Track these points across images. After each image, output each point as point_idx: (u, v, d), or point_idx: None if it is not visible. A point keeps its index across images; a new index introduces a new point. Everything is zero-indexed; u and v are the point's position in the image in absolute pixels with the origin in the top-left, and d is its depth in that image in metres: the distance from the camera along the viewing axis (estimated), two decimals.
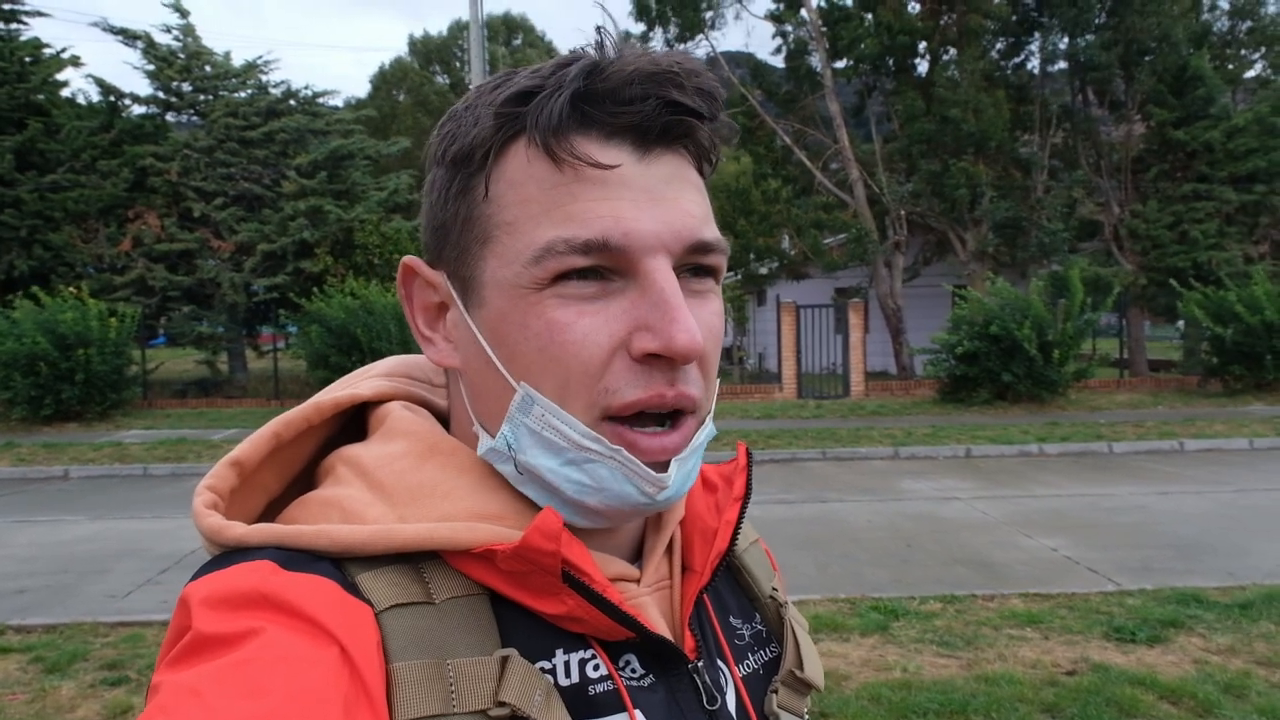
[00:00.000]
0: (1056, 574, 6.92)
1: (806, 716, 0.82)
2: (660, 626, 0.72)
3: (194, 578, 0.62)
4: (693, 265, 0.68)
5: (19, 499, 11.05)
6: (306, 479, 0.77)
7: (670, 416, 0.66)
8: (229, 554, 0.64)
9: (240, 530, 0.65)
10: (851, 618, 5.87)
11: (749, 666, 0.80)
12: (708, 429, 0.71)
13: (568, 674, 0.66)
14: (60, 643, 5.66)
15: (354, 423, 0.80)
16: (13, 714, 4.66)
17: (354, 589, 0.62)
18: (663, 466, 0.66)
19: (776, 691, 0.79)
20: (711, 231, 0.68)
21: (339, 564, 0.63)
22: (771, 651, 0.83)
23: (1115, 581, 6.66)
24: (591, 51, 0.66)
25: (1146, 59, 20.75)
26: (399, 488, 0.68)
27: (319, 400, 0.76)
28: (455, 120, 0.69)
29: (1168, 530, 8.20)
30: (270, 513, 0.74)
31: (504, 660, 0.61)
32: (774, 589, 0.87)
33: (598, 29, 0.67)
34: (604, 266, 0.64)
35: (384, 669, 0.58)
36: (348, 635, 0.57)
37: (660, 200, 0.65)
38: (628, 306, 0.64)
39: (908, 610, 6.00)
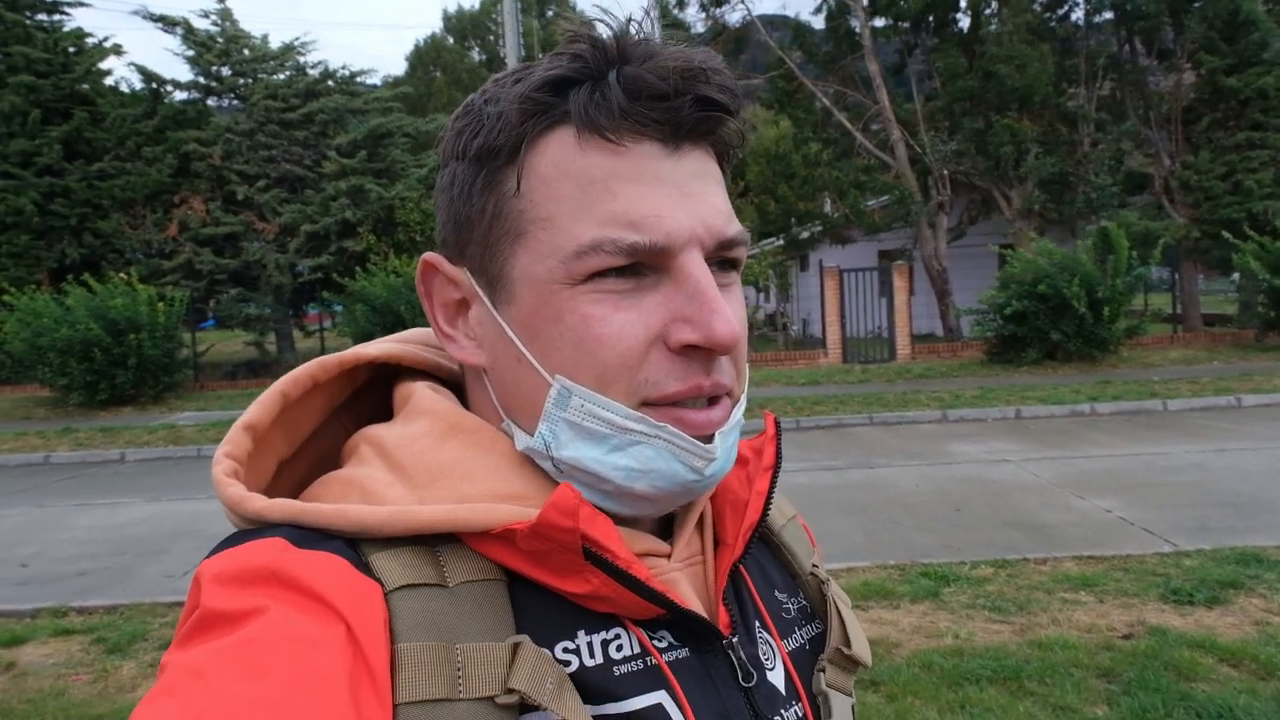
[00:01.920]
0: (1110, 535, 6.80)
1: (853, 694, 0.82)
2: (692, 602, 0.71)
3: (209, 555, 0.63)
4: (718, 259, 0.68)
5: (78, 482, 11.32)
6: (321, 446, 0.78)
7: (707, 401, 0.67)
8: (245, 531, 0.65)
9: (261, 504, 0.65)
10: (901, 584, 5.83)
11: (796, 641, 0.79)
12: (742, 406, 0.71)
13: (591, 654, 0.65)
14: (120, 623, 5.79)
15: (373, 392, 0.81)
16: (77, 694, 4.78)
17: (365, 568, 0.61)
18: (708, 439, 0.66)
19: (824, 670, 0.78)
20: (735, 226, 0.68)
21: (354, 543, 0.63)
22: (816, 628, 0.82)
23: (1172, 542, 6.53)
24: (609, 37, 0.65)
25: (1196, 5, 20.14)
26: (419, 468, 0.68)
27: (324, 359, 0.77)
28: (475, 114, 0.68)
29: (1226, 488, 8.03)
30: (284, 475, 0.75)
31: (515, 646, 0.60)
32: (814, 565, 0.86)
33: (628, 20, 0.66)
34: (641, 264, 0.64)
35: (389, 649, 0.58)
36: (354, 613, 0.57)
37: (690, 194, 0.65)
38: (662, 300, 0.65)
39: (958, 575, 5.94)
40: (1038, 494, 8.22)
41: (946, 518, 7.59)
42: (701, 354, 0.65)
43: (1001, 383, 15.31)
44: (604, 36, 0.65)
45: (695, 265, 0.64)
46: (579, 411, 0.65)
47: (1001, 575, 5.94)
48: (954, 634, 5.03)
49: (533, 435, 0.67)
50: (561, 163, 0.64)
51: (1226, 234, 17.99)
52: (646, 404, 0.65)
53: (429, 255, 0.73)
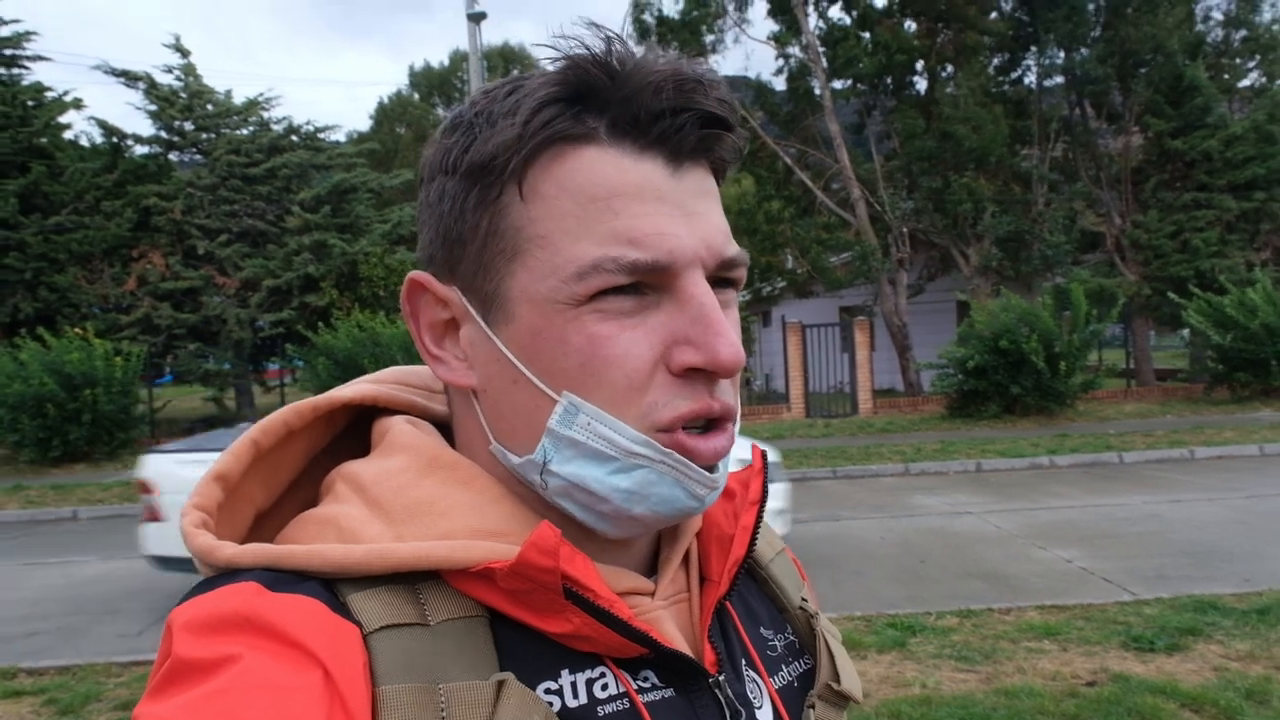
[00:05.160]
0: (1072, 585, 6.87)
1: None
2: (677, 641, 0.69)
3: (181, 600, 0.61)
4: (718, 279, 0.67)
5: (29, 541, 11.04)
6: (307, 495, 0.76)
7: (711, 422, 0.66)
8: (218, 577, 0.63)
9: (231, 551, 0.63)
10: (868, 635, 5.83)
11: (784, 678, 0.77)
12: (736, 429, 0.70)
13: (575, 694, 0.63)
14: (73, 684, 5.62)
15: (356, 436, 0.79)
16: None
17: (343, 609, 0.60)
18: (713, 468, 0.65)
19: (814, 707, 0.76)
20: (734, 247, 0.67)
21: (331, 584, 0.62)
22: (805, 664, 0.81)
23: (1131, 591, 6.61)
24: (602, 53, 0.63)
25: (1142, 70, 20.83)
26: (396, 505, 0.66)
27: (298, 404, 0.75)
28: (466, 129, 0.66)
29: (1182, 538, 8.15)
30: (261, 525, 0.73)
31: (500, 685, 0.59)
32: (803, 599, 0.85)
33: (611, 38, 0.64)
34: (643, 282, 0.63)
35: (370, 693, 0.56)
36: (332, 657, 0.56)
37: (693, 214, 0.64)
38: (664, 320, 0.63)
39: (924, 626, 5.95)
40: (1000, 545, 8.28)
41: (911, 569, 7.61)
42: (704, 376, 0.63)
43: (962, 436, 15.46)
44: (598, 52, 0.63)
45: (698, 286, 0.63)
46: (585, 430, 0.63)
47: (967, 625, 5.97)
48: (921, 683, 5.03)
49: (534, 451, 0.65)
50: (562, 181, 0.63)
51: (1172, 294, 18.42)
52: (657, 429, 0.63)
53: (416, 274, 0.70)
